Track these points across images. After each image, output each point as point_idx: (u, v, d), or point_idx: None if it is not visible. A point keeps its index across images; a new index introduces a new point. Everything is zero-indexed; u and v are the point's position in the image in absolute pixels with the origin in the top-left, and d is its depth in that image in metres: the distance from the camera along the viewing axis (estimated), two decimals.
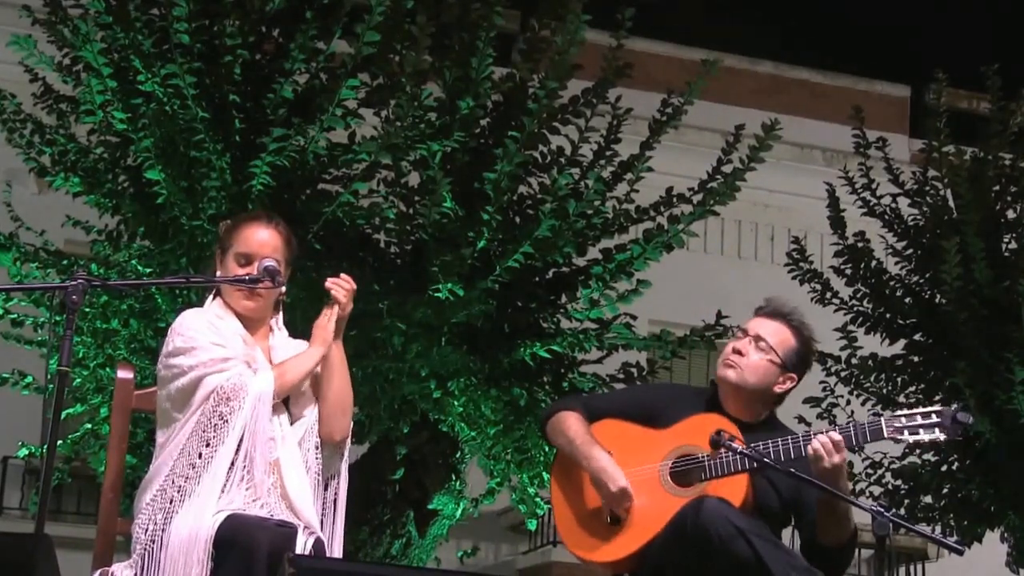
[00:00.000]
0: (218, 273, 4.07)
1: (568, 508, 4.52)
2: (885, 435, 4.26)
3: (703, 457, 4.31)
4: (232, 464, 3.81)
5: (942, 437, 4.25)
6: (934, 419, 4.24)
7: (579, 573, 10.11)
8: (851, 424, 4.33)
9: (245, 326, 4.05)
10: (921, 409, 4.29)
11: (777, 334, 4.51)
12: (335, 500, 4.06)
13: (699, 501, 4.17)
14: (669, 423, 4.47)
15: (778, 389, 4.52)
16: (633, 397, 4.86)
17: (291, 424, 3.99)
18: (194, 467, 3.81)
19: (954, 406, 4.32)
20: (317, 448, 4.02)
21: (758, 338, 4.50)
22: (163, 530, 3.74)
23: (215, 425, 3.83)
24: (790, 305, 4.62)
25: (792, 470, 4.17)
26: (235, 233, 4.09)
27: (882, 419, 4.28)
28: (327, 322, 4.01)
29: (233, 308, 4.07)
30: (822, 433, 4.26)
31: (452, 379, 8.20)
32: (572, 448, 4.47)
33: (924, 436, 4.24)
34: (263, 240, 4.08)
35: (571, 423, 4.53)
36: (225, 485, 3.78)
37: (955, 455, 9.58)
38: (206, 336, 3.91)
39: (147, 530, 3.78)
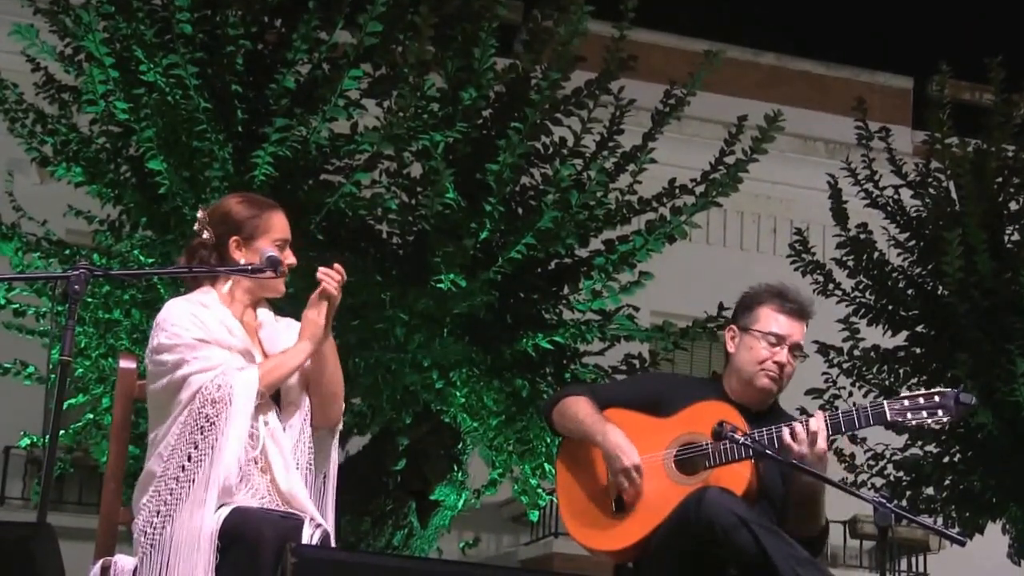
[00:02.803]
0: (242, 261, 4.00)
1: (573, 496, 4.51)
2: (888, 418, 4.25)
3: (707, 445, 4.29)
4: (224, 465, 3.76)
5: (945, 419, 4.23)
6: (937, 401, 4.23)
7: (581, 564, 10.11)
8: (854, 409, 4.31)
9: (234, 312, 4.00)
10: (923, 392, 4.27)
11: (804, 335, 4.49)
12: (324, 485, 4.02)
13: (701, 491, 4.17)
14: (673, 411, 4.46)
15: None
16: (638, 386, 4.84)
17: (280, 417, 3.94)
18: (184, 469, 3.74)
19: (955, 388, 4.29)
20: (310, 438, 3.98)
21: (797, 347, 4.45)
22: (161, 534, 3.71)
23: (202, 427, 3.76)
24: (793, 287, 4.57)
25: (793, 461, 4.16)
26: (265, 220, 4.04)
27: (884, 403, 4.27)
28: (317, 316, 3.91)
29: (255, 294, 4.04)
30: (799, 422, 4.25)
31: (454, 370, 8.21)
32: (583, 428, 4.45)
33: (927, 419, 4.23)
34: (287, 225, 4.09)
35: (581, 406, 4.51)
36: (220, 486, 3.74)
37: (957, 447, 9.58)
38: (190, 331, 3.85)
39: (146, 533, 3.75)
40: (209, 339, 3.86)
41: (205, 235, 4.04)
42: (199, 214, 4.09)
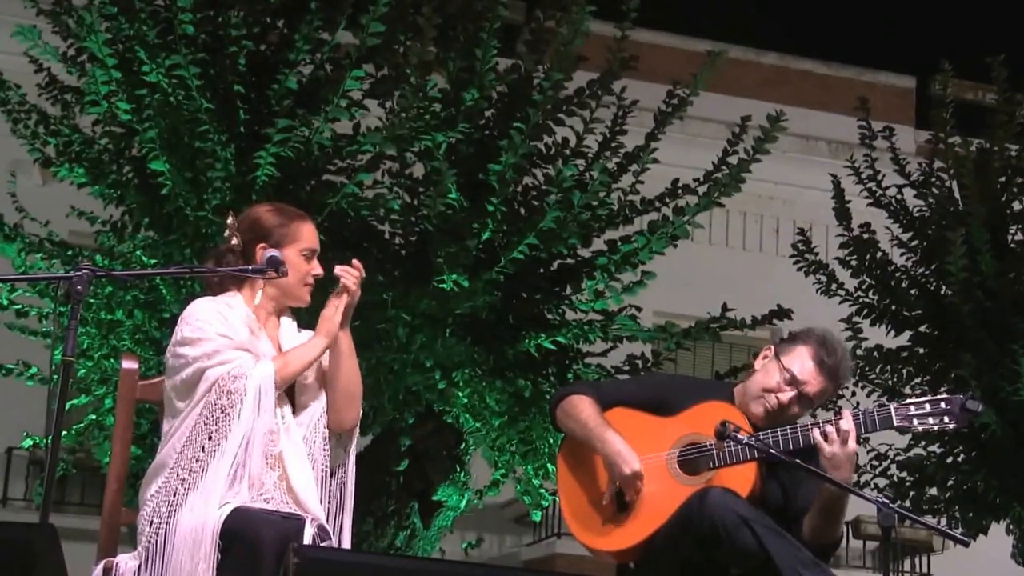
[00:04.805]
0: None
1: (575, 495, 4.49)
2: (895, 423, 4.24)
3: (710, 445, 4.28)
4: (235, 458, 3.78)
5: (951, 425, 4.24)
6: (943, 407, 4.22)
7: (583, 565, 10.11)
8: (860, 412, 4.30)
9: (258, 318, 4.02)
10: (930, 397, 4.27)
11: (824, 394, 4.46)
12: (342, 490, 4.02)
13: (704, 491, 4.16)
14: (678, 412, 4.45)
15: None
16: (643, 386, 4.79)
17: (295, 415, 3.97)
18: (197, 460, 3.78)
19: (963, 394, 4.28)
20: (325, 439, 3.99)
21: (807, 399, 4.42)
22: (167, 524, 3.73)
23: (216, 419, 3.80)
24: (842, 348, 4.50)
25: (798, 461, 4.14)
26: (294, 230, 4.06)
27: (891, 407, 4.26)
28: (332, 313, 3.96)
29: (279, 302, 4.06)
30: (830, 423, 4.24)
31: (457, 370, 8.20)
32: (585, 431, 4.43)
33: (933, 424, 4.23)
34: (316, 236, 4.12)
35: (584, 407, 4.48)
36: (230, 479, 3.76)
37: (961, 447, 9.57)
38: (214, 327, 3.88)
39: (151, 523, 3.76)
40: (233, 337, 3.88)
41: (234, 241, 4.05)
42: (228, 220, 4.11)
